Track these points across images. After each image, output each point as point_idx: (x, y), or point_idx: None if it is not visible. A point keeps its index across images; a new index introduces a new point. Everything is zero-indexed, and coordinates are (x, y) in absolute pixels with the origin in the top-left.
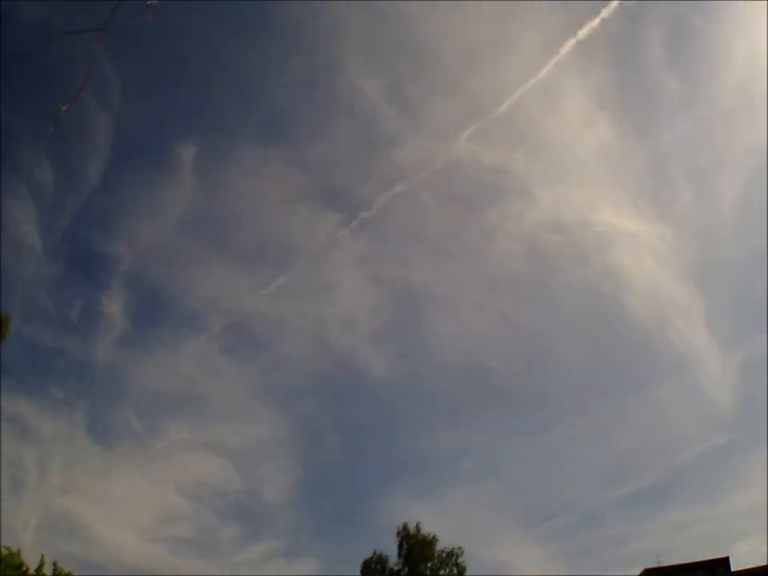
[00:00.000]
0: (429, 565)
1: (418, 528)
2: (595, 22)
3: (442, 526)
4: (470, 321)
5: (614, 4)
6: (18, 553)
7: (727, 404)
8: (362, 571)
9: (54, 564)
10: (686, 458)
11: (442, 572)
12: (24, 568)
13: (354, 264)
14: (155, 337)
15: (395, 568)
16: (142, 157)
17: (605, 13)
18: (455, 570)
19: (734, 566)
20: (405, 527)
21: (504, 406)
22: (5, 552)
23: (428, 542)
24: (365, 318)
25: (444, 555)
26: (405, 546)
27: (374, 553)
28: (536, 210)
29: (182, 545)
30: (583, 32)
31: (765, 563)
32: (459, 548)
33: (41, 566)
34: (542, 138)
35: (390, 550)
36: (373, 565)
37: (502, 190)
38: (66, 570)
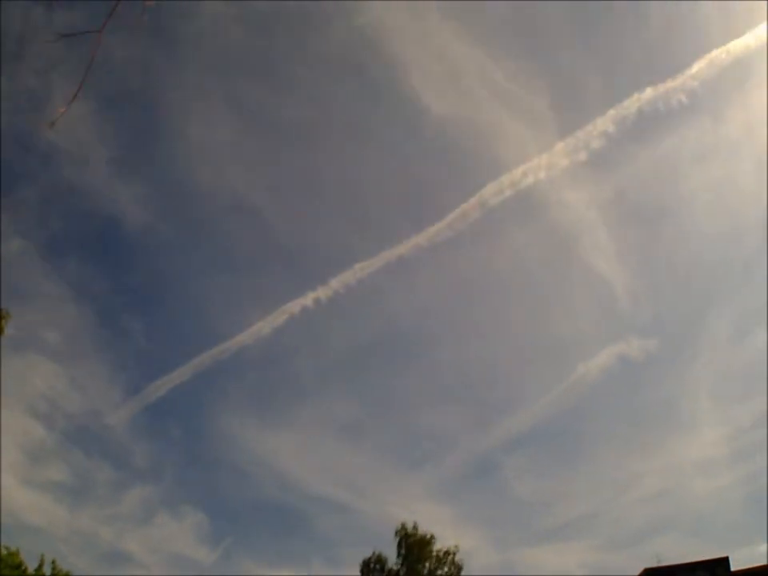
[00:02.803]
0: (427, 564)
1: (415, 527)
2: None
3: (311, 472)
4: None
5: None
6: (17, 552)
7: (624, 285)
8: (361, 571)
9: (53, 562)
10: (583, 377)
11: (439, 572)
12: (23, 567)
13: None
14: None
15: (394, 568)
16: None
17: None
18: (452, 569)
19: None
20: (403, 527)
21: (296, 274)
22: (4, 552)
23: (426, 542)
24: (90, 135)
25: (441, 554)
26: (403, 546)
27: (373, 553)
28: None
29: (64, 492)
30: None
31: (765, 563)
32: (455, 546)
33: (40, 565)
34: None
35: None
36: (372, 565)
37: None
38: (64, 570)
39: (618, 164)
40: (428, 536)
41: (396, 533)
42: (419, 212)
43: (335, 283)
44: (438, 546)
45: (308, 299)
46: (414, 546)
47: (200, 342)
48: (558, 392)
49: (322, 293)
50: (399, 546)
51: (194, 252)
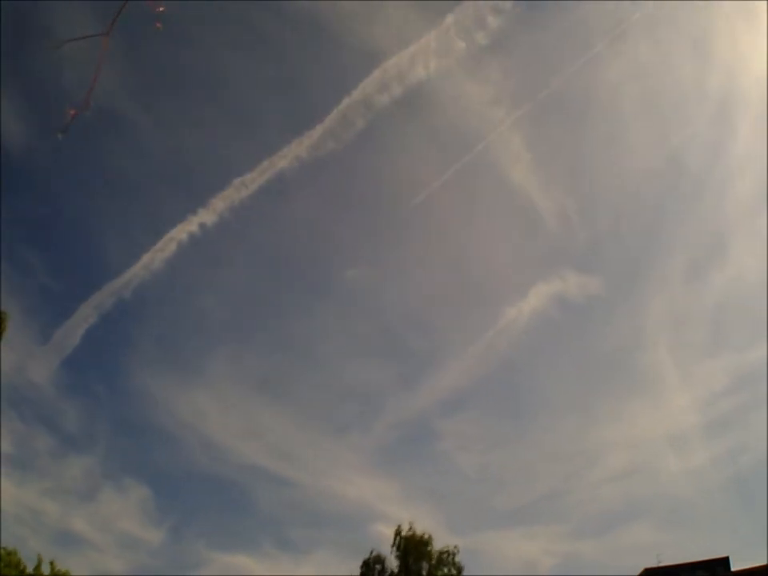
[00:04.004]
0: (425, 564)
1: (411, 528)
2: None
3: (239, 437)
4: None
5: None
6: (15, 551)
7: (550, 204)
8: (361, 572)
9: (51, 563)
10: (513, 322)
11: (439, 573)
12: (21, 567)
13: None
14: None
15: (395, 570)
16: None
17: None
18: (453, 570)
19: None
20: (398, 529)
21: (175, 194)
22: (3, 551)
23: (424, 542)
24: None
25: (441, 555)
26: (401, 547)
27: (371, 553)
28: None
29: (10, 465)
30: None
31: (765, 563)
32: (455, 547)
33: (38, 564)
34: None
35: None
36: (372, 565)
37: None
38: (63, 569)
39: (521, 46)
40: (426, 536)
41: (395, 534)
42: (297, 114)
43: (218, 204)
44: (438, 546)
45: (193, 224)
46: (411, 546)
47: (97, 275)
48: (485, 341)
49: (206, 217)
50: (397, 546)
51: (70, 169)
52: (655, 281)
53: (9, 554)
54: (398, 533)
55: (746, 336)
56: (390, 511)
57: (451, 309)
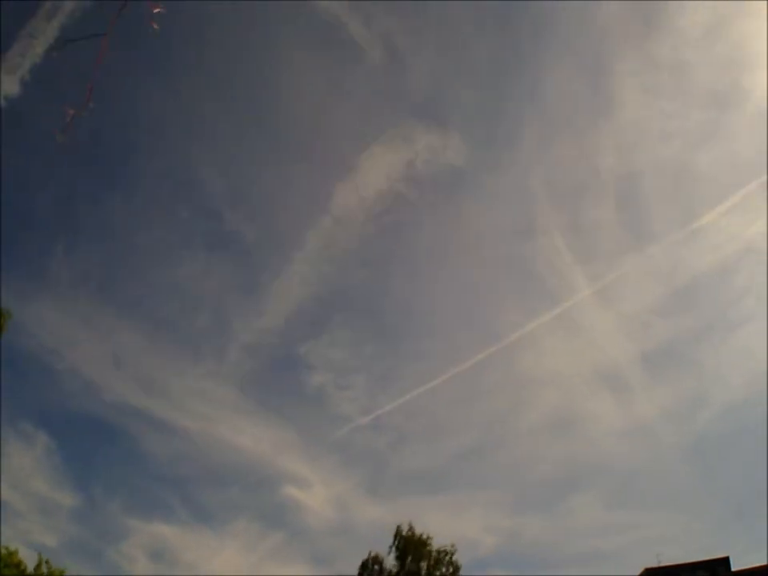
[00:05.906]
0: (424, 564)
1: (411, 528)
2: None
3: (101, 363)
4: None
5: None
6: (16, 552)
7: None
8: (359, 573)
9: (47, 562)
10: (350, 203)
11: (437, 572)
12: (22, 567)
13: None
14: None
15: (393, 570)
16: None
17: None
18: (450, 569)
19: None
20: (398, 529)
21: None
22: (4, 551)
23: (422, 542)
24: None
25: (439, 554)
26: (400, 547)
27: (370, 553)
28: None
29: None
30: None
31: (765, 563)
32: (452, 545)
33: (39, 564)
34: None
35: None
36: (370, 566)
37: None
38: (59, 569)
39: None
40: (424, 536)
41: (394, 536)
42: None
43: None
44: (436, 545)
45: None
46: (410, 546)
47: None
48: (323, 228)
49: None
50: (396, 547)
51: None
52: (530, 138)
53: (10, 554)
54: (398, 533)
55: (670, 221)
56: (296, 470)
57: (269, 184)
